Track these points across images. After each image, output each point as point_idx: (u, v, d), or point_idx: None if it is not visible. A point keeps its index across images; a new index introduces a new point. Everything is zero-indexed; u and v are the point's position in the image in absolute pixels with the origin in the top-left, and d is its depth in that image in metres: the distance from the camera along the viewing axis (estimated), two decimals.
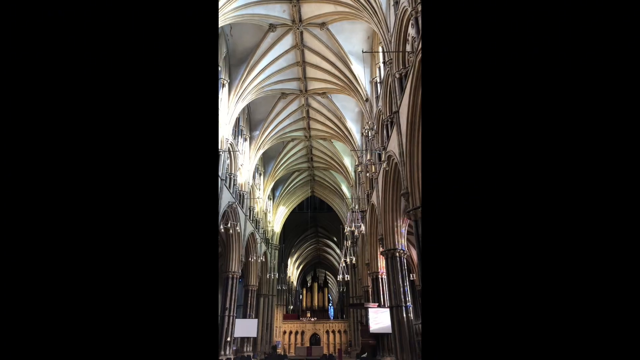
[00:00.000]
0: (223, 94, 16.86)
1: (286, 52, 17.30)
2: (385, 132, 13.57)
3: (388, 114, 13.02)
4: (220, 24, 13.71)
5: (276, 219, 30.61)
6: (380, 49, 15.49)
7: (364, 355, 18.13)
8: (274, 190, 29.80)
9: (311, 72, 18.81)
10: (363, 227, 18.65)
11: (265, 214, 28.02)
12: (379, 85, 15.88)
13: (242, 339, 22.83)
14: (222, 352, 18.25)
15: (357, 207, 20.73)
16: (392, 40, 11.48)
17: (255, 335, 22.96)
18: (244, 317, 23.14)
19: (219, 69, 16.57)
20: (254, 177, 23.64)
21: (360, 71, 16.81)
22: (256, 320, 23.37)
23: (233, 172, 18.92)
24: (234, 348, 20.61)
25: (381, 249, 14.97)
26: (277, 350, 27.35)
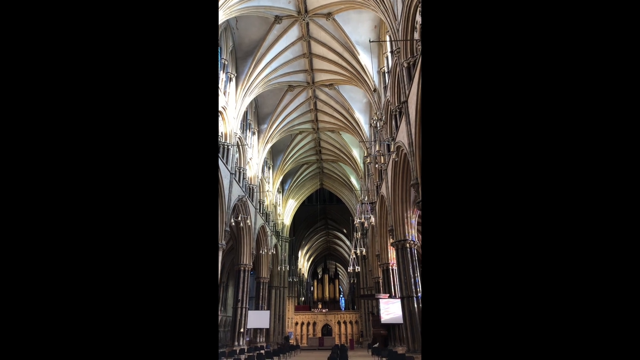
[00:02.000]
0: (230, 88, 16.88)
1: (292, 44, 17.18)
2: (394, 122, 13.44)
3: (396, 104, 12.88)
4: (226, 17, 13.66)
5: (286, 211, 30.79)
6: (387, 38, 15.26)
7: (376, 345, 18.27)
8: (283, 183, 29.92)
9: (318, 64, 18.67)
10: (373, 219, 18.64)
11: (275, 207, 28.20)
12: (386, 75, 15.68)
13: (255, 330, 23.21)
14: (236, 343, 18.60)
15: (366, 199, 20.69)
16: (400, 29, 11.29)
17: (267, 327, 23.31)
18: (256, 308, 23.50)
19: (226, 62, 16.56)
20: (263, 171, 23.75)
21: (367, 61, 16.62)
22: (268, 311, 23.71)
23: (242, 165, 19.02)
24: (247, 339, 20.99)
25: (391, 240, 14.95)
26: (290, 341, 27.77)
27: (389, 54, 15.12)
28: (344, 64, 17.58)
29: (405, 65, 11.09)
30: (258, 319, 21.71)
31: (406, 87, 11.05)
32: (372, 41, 13.87)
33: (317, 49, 17.66)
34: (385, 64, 16.21)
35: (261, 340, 23.78)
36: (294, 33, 16.70)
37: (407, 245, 13.58)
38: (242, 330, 19.13)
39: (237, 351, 16.02)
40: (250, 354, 14.81)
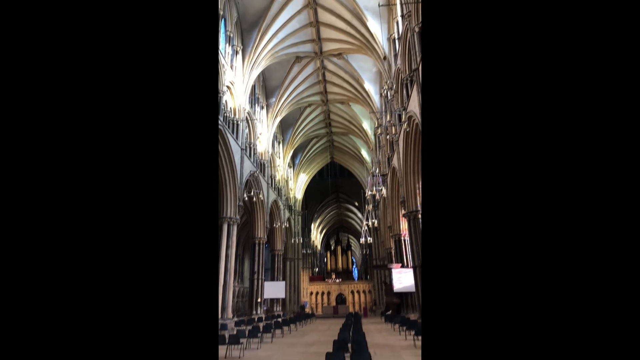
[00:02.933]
0: (237, 61, 16.56)
1: (298, 12, 16.57)
2: (405, 91, 13.06)
3: (407, 72, 12.46)
4: None
5: (297, 186, 30.99)
6: (397, 1, 14.53)
7: (389, 312, 18.81)
8: (293, 158, 29.91)
9: (325, 33, 18.04)
10: (384, 191, 18.61)
11: (287, 181, 28.38)
12: (397, 42, 15.07)
13: (272, 300, 24.10)
14: (254, 312, 19.41)
15: (377, 171, 20.59)
16: None
17: (283, 296, 24.15)
18: (272, 280, 24.27)
19: (232, 35, 16.15)
20: (273, 146, 23.71)
21: (377, 28, 15.95)
22: (284, 282, 24.47)
23: (252, 141, 19.01)
24: (265, 308, 21.85)
25: (403, 212, 14.98)
26: (305, 310, 28.80)
27: (400, 19, 14.45)
28: (352, 31, 16.93)
29: (417, 30, 10.60)
30: (274, 289, 22.48)
31: (417, 53, 10.63)
32: (382, 5, 13.26)
33: (324, 16, 17.00)
34: (396, 30, 15.54)
35: (278, 309, 24.73)
36: (299, 0, 16.06)
37: (419, 216, 13.60)
38: (259, 300, 19.89)
39: (255, 319, 16.74)
40: (268, 321, 15.46)
